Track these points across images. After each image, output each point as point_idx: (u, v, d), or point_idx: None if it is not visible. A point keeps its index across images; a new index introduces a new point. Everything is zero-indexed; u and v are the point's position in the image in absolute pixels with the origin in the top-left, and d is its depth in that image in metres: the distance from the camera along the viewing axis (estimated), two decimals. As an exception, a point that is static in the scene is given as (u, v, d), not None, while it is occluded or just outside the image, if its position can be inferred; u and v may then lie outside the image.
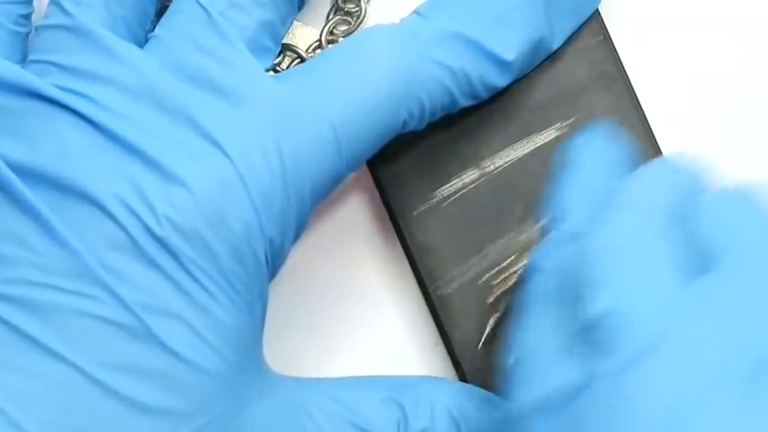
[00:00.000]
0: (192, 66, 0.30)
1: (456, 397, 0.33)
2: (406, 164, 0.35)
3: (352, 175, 0.32)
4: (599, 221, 0.28)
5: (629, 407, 0.24)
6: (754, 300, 0.26)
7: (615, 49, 0.35)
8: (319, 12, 0.37)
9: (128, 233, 0.28)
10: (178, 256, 0.28)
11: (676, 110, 0.37)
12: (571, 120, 0.35)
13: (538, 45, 0.34)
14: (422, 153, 0.35)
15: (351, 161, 0.31)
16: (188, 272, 0.29)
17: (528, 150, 0.35)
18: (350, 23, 0.37)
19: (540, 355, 0.28)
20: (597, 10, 0.35)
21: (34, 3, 0.33)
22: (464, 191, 0.35)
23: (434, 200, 0.35)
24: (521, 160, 0.35)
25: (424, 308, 0.35)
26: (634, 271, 0.27)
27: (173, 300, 0.28)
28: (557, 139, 0.35)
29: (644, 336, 0.25)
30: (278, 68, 0.36)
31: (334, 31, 0.37)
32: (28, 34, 0.33)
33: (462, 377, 0.35)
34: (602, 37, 0.35)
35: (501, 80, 0.33)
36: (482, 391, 0.33)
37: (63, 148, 0.29)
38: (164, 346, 0.28)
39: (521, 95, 0.35)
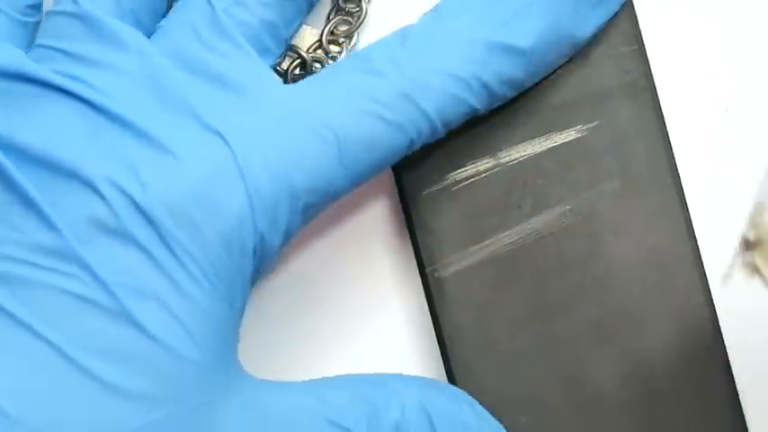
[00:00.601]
0: (195, 58, 0.30)
1: (427, 391, 0.33)
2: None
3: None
4: None
5: None
6: None
7: (648, 61, 0.35)
8: (320, 12, 0.37)
9: (113, 210, 0.28)
10: (162, 233, 0.28)
11: (676, 110, 0.37)
12: (593, 123, 0.35)
13: (559, 34, 0.33)
14: (441, 135, 0.35)
15: (354, 173, 0.31)
16: (171, 250, 0.28)
17: (546, 147, 0.35)
18: (350, 23, 0.37)
19: None
20: (636, 17, 0.35)
21: None
22: (476, 178, 0.35)
23: (446, 182, 0.35)
24: (537, 156, 0.35)
25: (426, 309, 0.35)
26: None
27: (153, 279, 0.28)
28: (576, 140, 0.35)
29: None
30: (278, 68, 0.36)
31: (335, 31, 0.37)
32: (37, 24, 0.32)
33: (447, 362, 0.35)
34: (636, 46, 0.35)
35: (520, 71, 0.33)
36: (453, 388, 0.34)
37: (53, 126, 0.29)
38: (140, 329, 0.28)
39: (546, 92, 0.35)
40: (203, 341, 0.29)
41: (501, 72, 0.32)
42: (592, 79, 0.35)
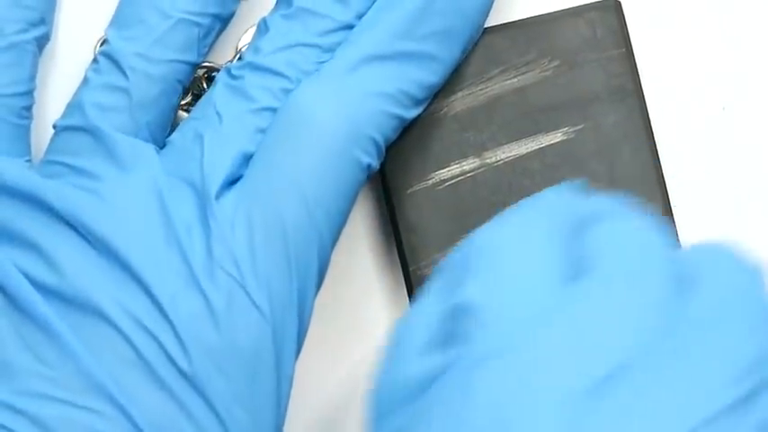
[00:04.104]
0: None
1: None
2: (409, 141, 0.35)
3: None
4: (493, 221, 0.28)
5: (468, 404, 0.24)
6: (611, 313, 0.25)
7: (636, 65, 0.35)
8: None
9: (137, 350, 0.28)
10: (193, 380, 0.29)
11: (675, 109, 0.37)
12: (579, 126, 0.35)
13: (450, 30, 0.33)
14: (427, 133, 0.35)
15: (330, 233, 0.31)
16: (202, 395, 0.29)
17: (532, 149, 0.35)
18: None
19: (405, 345, 0.27)
20: (624, 21, 0.35)
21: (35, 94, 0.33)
22: (461, 178, 0.35)
23: (430, 181, 0.35)
24: (523, 157, 0.35)
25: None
26: (508, 268, 0.26)
27: (182, 422, 0.28)
28: (563, 142, 0.35)
29: (500, 334, 0.25)
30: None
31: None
32: (30, 126, 0.33)
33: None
34: (624, 50, 0.35)
35: (436, 76, 0.33)
36: None
37: (68, 258, 0.29)
38: None
39: (534, 94, 0.35)
40: None
41: (420, 80, 0.33)
42: (579, 82, 0.35)
